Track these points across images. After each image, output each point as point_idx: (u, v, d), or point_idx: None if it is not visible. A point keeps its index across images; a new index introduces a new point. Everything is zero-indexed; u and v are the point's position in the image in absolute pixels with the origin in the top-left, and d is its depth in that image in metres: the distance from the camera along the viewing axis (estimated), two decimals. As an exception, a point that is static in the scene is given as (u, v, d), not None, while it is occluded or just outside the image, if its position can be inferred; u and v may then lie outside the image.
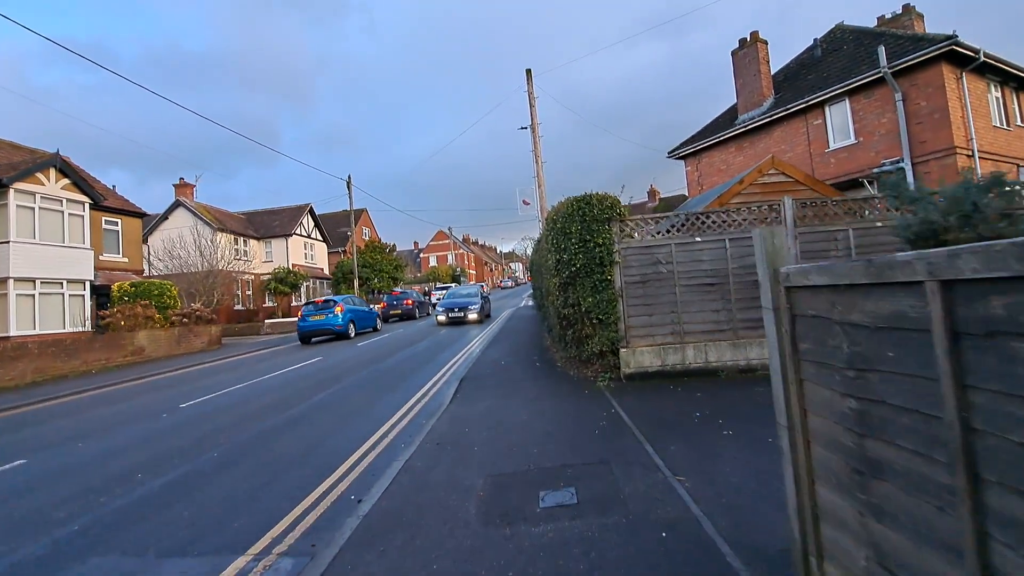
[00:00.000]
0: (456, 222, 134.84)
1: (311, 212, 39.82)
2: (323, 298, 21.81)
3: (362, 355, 14.42)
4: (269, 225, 37.57)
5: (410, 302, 28.11)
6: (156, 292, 21.19)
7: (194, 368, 14.81)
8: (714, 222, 7.91)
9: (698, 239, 7.88)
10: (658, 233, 8.01)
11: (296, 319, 29.52)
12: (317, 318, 19.10)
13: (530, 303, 34.83)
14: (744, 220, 7.86)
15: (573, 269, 7.96)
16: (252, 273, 34.69)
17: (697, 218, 7.93)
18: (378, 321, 22.75)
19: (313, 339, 19.43)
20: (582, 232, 7.89)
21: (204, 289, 28.39)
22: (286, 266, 33.60)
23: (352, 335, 19.65)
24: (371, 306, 24.80)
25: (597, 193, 8.03)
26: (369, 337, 19.56)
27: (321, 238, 41.43)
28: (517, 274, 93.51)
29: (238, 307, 33.65)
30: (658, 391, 7.11)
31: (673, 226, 8.00)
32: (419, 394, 8.74)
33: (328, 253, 42.24)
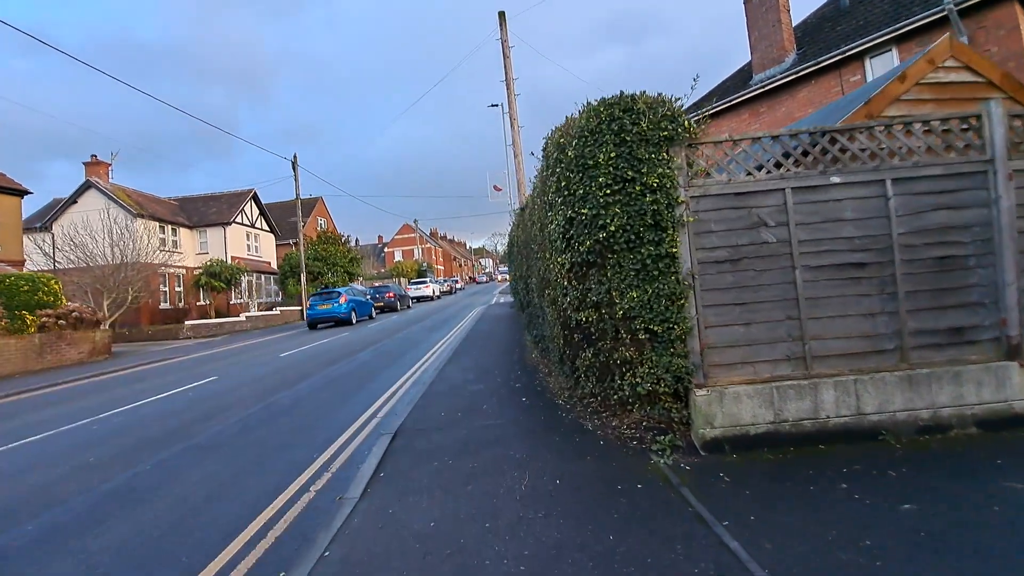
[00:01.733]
0: (423, 214, 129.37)
1: (255, 199, 34.74)
2: (328, 289, 23.49)
3: (287, 369, 10.24)
4: (204, 212, 32.33)
5: (391, 295, 28.93)
6: (26, 288, 16.27)
7: (16, 398, 10.26)
8: (862, 149, 4.14)
9: (835, 179, 4.10)
10: (760, 169, 4.18)
11: (233, 319, 24.84)
12: (324, 307, 20.86)
13: (502, 300, 30.86)
14: (919, 146, 4.13)
15: (600, 237, 4.05)
16: (182, 266, 29.57)
17: (832, 140, 4.15)
18: (373, 310, 24.37)
19: (319, 325, 21.04)
20: (618, 164, 3.99)
21: (114, 285, 23.35)
22: (221, 258, 28.58)
23: (354, 321, 21.33)
24: (367, 296, 25.27)
25: (644, 95, 4.15)
26: (338, 333, 15.23)
27: (268, 228, 36.39)
28: (488, 270, 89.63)
29: (164, 305, 28.51)
30: (801, 489, 3.26)
31: (788, 155, 4.20)
32: (312, 468, 4.68)
33: (277, 245, 37.20)
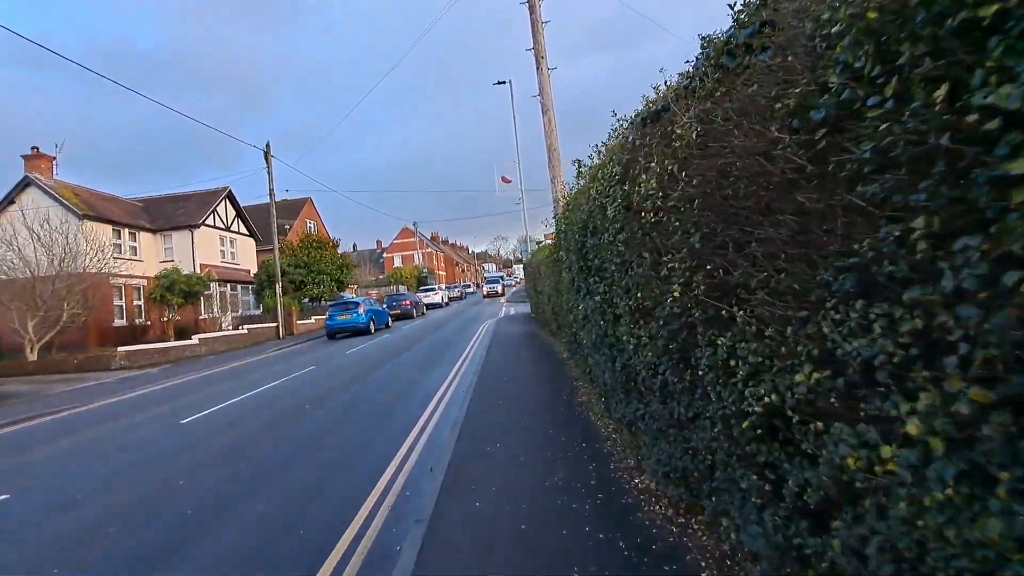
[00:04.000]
0: (424, 216, 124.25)
1: (231, 198, 29.80)
2: (345, 300, 23.03)
3: (148, 468, 5.26)
4: (171, 214, 27.38)
5: (408, 303, 27.96)
6: None
7: None
8: None
9: None
10: None
11: (183, 342, 19.73)
12: (343, 317, 20.25)
13: (512, 311, 25.90)
14: None
15: None
16: (142, 277, 24.59)
17: None
18: (389, 319, 23.52)
19: (338, 335, 20.31)
20: None
21: (41, 301, 18.43)
22: (179, 267, 23.58)
23: (372, 331, 20.31)
24: (383, 306, 24.58)
25: None
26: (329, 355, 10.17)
27: (247, 232, 31.41)
28: (490, 274, 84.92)
29: (119, 322, 23.54)
30: None
31: None
32: None
33: (258, 251, 32.21)
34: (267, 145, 22.97)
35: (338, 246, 30.02)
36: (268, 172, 22.81)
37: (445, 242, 79.17)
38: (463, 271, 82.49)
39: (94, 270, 20.03)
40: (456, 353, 12.41)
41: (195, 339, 18.33)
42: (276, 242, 23.44)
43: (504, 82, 24.72)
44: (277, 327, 22.93)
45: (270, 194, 23.10)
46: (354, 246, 66.34)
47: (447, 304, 37.39)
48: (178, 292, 21.79)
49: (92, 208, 23.42)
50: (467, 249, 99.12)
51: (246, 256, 30.91)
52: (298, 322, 24.83)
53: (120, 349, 16.44)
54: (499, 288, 42.41)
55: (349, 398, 8.29)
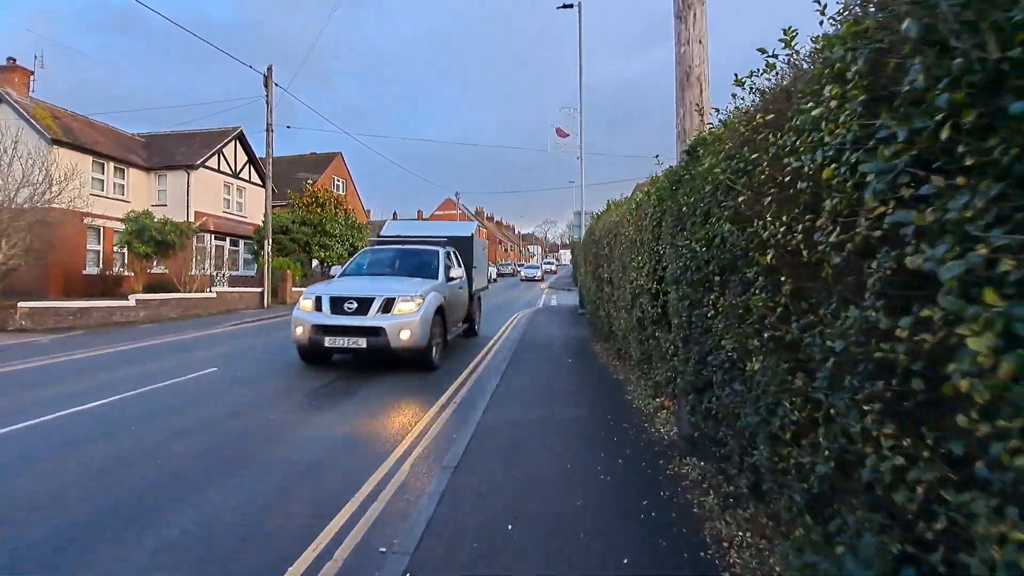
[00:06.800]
0: (471, 189, 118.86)
1: (241, 140, 25.55)
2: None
3: None
4: (169, 151, 23.37)
5: None
6: None
7: None
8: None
9: None
10: None
11: (113, 302, 15.33)
12: None
13: (553, 301, 20.40)
14: None
15: None
16: (120, 219, 20.68)
17: None
18: None
19: None
20: None
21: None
22: (154, 212, 19.35)
23: None
24: None
25: None
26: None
27: (260, 182, 27.18)
28: (535, 259, 79.32)
29: (91, 270, 19.83)
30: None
31: None
32: None
33: (273, 205, 28.00)
34: (268, 69, 18.17)
35: (343, 203, 25.28)
36: (267, 101, 18.04)
37: (490, 219, 73.99)
38: (507, 251, 77.23)
39: (49, 204, 15.98)
40: (452, 375, 7.07)
41: (132, 300, 13.90)
42: (268, 189, 18.80)
43: (571, 5, 18.91)
44: (262, 292, 18.44)
45: (267, 129, 18.34)
46: (395, 214, 62.28)
47: (494, 281, 35.33)
48: (148, 240, 17.59)
49: (70, 134, 19.51)
50: (513, 229, 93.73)
51: (256, 209, 26.65)
52: (294, 289, 20.31)
53: (22, 305, 12.18)
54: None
55: (108, 503, 3.11)
